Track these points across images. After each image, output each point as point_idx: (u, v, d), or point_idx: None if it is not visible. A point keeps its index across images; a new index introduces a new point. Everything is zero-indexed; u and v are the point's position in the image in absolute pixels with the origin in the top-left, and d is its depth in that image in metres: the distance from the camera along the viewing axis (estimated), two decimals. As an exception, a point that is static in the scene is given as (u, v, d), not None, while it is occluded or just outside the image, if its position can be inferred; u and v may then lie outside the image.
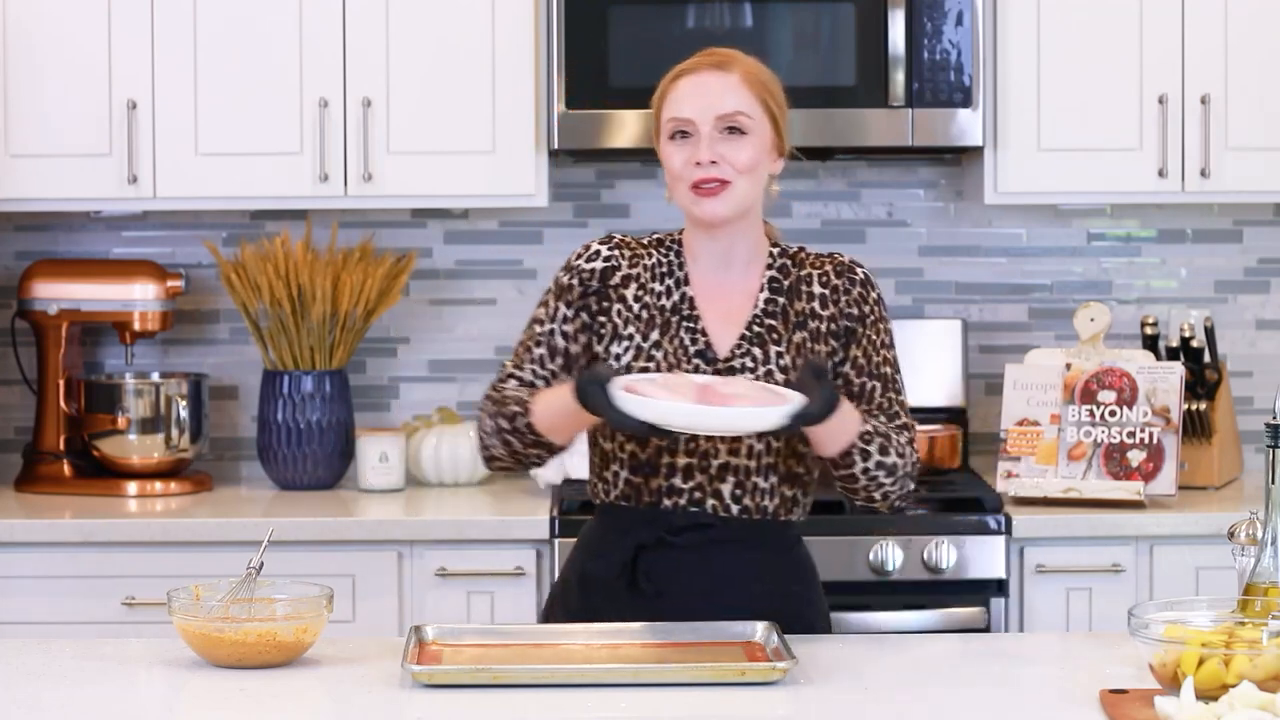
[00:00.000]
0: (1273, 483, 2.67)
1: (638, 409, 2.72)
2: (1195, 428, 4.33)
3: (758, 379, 2.92)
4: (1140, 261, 4.70)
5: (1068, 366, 4.28)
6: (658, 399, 2.72)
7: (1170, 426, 4.18)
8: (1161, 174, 4.30)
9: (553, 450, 2.97)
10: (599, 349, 2.99)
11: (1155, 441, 4.17)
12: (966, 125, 4.26)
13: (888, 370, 3.00)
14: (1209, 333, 4.43)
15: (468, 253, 4.67)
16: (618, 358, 2.96)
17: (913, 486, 3.00)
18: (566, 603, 3.02)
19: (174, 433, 4.39)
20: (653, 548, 2.93)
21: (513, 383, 3.00)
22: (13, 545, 4.03)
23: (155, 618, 3.83)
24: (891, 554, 4.00)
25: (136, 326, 4.45)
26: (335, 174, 4.29)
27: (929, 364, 4.57)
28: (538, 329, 3.02)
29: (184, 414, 4.39)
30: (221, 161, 4.29)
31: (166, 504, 4.29)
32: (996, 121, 4.30)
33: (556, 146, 4.26)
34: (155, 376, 4.51)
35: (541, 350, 3.00)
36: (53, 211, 4.52)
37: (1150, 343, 4.41)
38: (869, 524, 4.03)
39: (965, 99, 4.24)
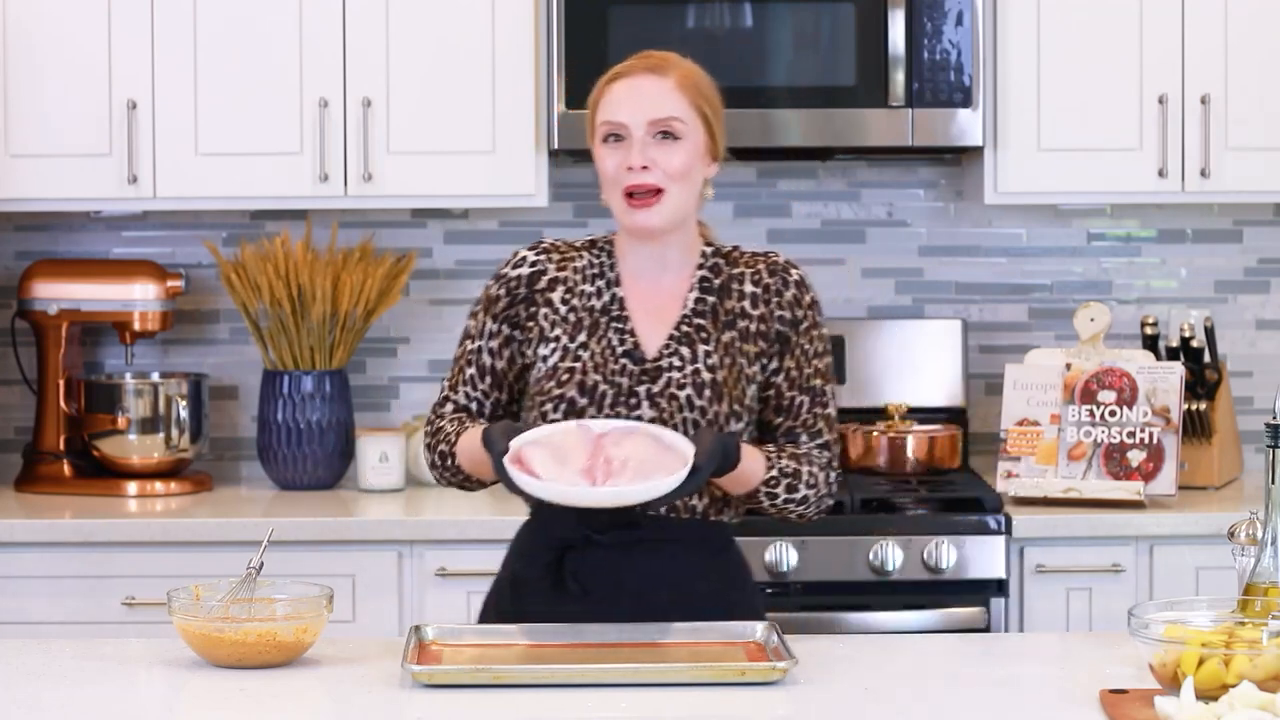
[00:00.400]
0: (1273, 483, 2.67)
1: (527, 487, 2.76)
2: (1195, 428, 4.33)
3: (685, 378, 2.92)
4: (1140, 261, 4.70)
5: (1068, 366, 4.28)
6: (543, 481, 2.74)
7: (1170, 426, 4.18)
8: (1161, 174, 4.30)
9: (485, 484, 3.03)
10: (528, 353, 2.99)
11: (1155, 441, 4.17)
12: (966, 125, 4.26)
13: (818, 383, 3.00)
14: (1209, 333, 4.43)
15: (468, 253, 4.67)
16: (545, 359, 2.96)
17: (831, 503, 3.03)
18: (499, 605, 3.01)
19: (174, 433, 4.39)
20: (580, 548, 2.92)
21: (449, 407, 3.03)
22: (13, 545, 4.03)
23: (155, 618, 3.83)
24: (891, 554, 4.00)
25: (136, 326, 4.45)
26: (335, 174, 4.29)
27: (929, 364, 4.57)
28: (469, 345, 3.04)
29: (184, 414, 4.39)
30: (221, 161, 4.29)
31: (166, 504, 4.29)
32: (996, 121, 4.30)
33: (556, 146, 4.26)
34: (155, 376, 4.51)
35: (472, 370, 3.02)
36: (53, 211, 4.52)
37: (1150, 343, 4.41)
38: (869, 524, 4.04)
39: (965, 99, 4.25)
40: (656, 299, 2.99)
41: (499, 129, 4.29)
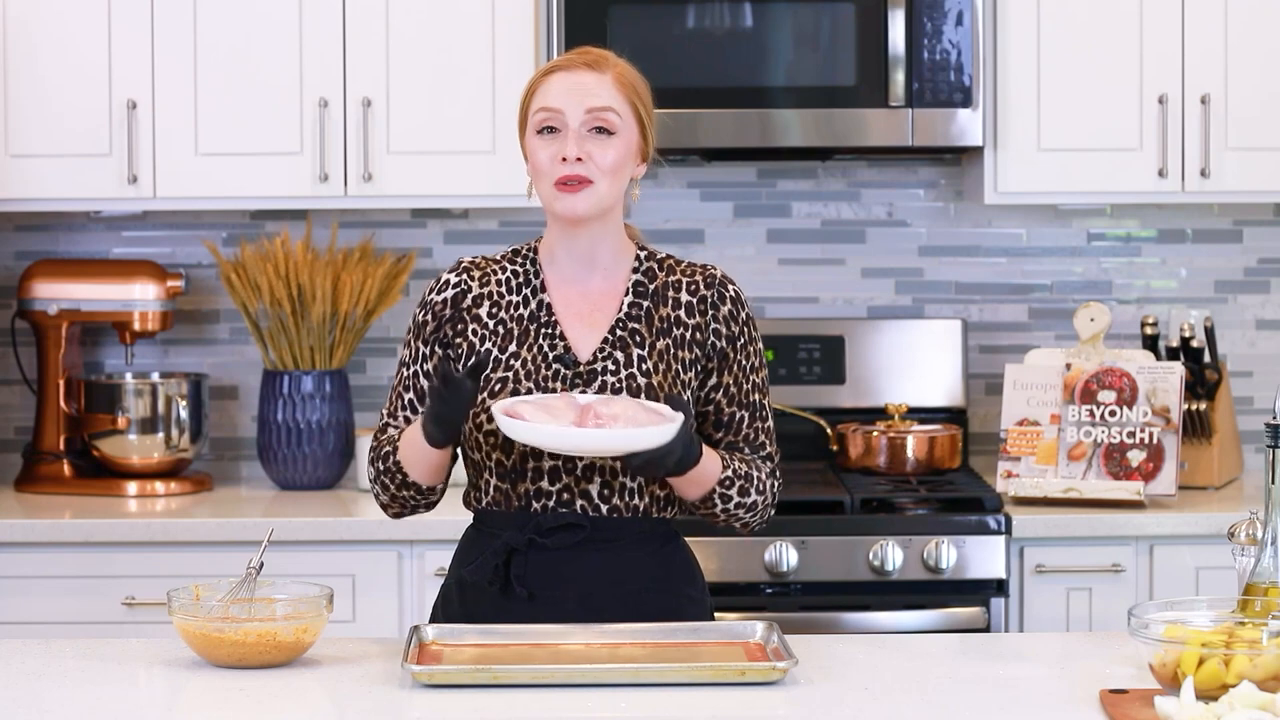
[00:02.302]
0: (1273, 483, 2.67)
1: (516, 433, 2.73)
2: (1195, 428, 4.33)
3: (619, 382, 2.91)
4: (1140, 261, 4.70)
5: (1068, 366, 4.28)
6: (535, 424, 2.73)
7: (1170, 426, 4.18)
8: (1161, 174, 4.30)
9: (421, 493, 2.97)
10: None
11: (1155, 441, 4.17)
12: (966, 125, 4.26)
13: (756, 397, 3.00)
14: (1209, 333, 4.43)
15: (467, 253, 4.66)
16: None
17: (773, 513, 3.03)
18: (448, 610, 3.00)
19: (174, 433, 4.39)
20: (524, 550, 2.91)
21: (391, 433, 3.01)
22: (13, 545, 4.03)
23: (155, 618, 3.84)
24: (891, 554, 4.00)
25: (136, 326, 4.45)
26: (335, 174, 4.29)
27: (929, 364, 4.57)
28: (405, 372, 3.02)
29: (184, 414, 4.39)
30: (221, 161, 4.29)
31: (166, 504, 4.29)
32: (996, 121, 4.30)
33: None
34: (155, 376, 4.51)
35: (410, 395, 3.01)
36: (53, 211, 4.53)
37: (1150, 343, 4.42)
38: (869, 524, 4.04)
39: (965, 99, 4.25)
40: (586, 302, 2.98)
41: (499, 129, 4.29)
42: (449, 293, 3.00)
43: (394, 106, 4.29)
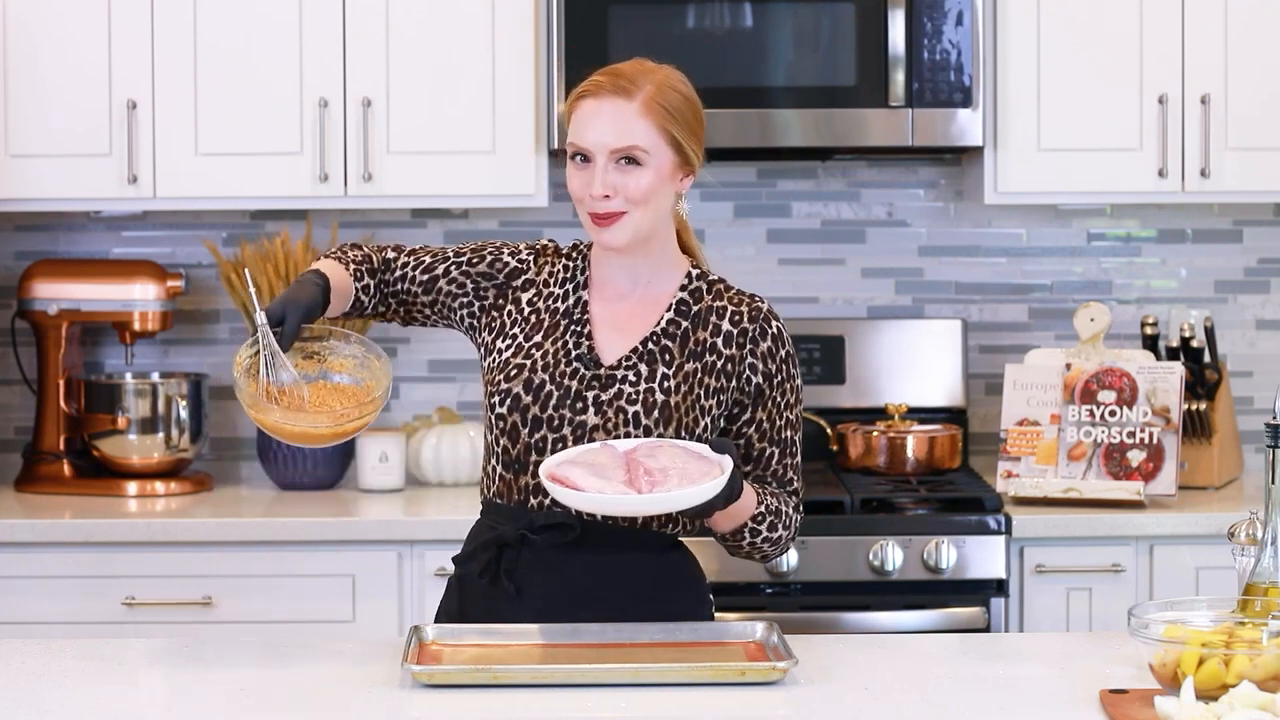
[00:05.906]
0: (1273, 483, 2.67)
1: (570, 501, 2.74)
2: (1195, 428, 4.33)
3: (637, 395, 2.90)
4: (1140, 261, 4.70)
5: (1068, 366, 4.28)
6: (589, 493, 2.72)
7: (1170, 426, 4.18)
8: (1161, 174, 4.30)
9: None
10: (486, 339, 2.99)
11: (1155, 441, 4.17)
12: (966, 125, 4.26)
13: (788, 434, 2.99)
14: (1209, 333, 4.43)
15: (468, 253, 4.66)
16: (500, 352, 2.96)
17: (791, 547, 3.04)
18: (448, 602, 3.01)
19: (174, 433, 4.39)
20: (515, 545, 2.92)
21: (389, 255, 3.04)
22: (13, 545, 4.03)
23: (155, 618, 3.84)
24: (891, 554, 4.00)
25: (136, 326, 4.45)
26: (335, 174, 4.29)
27: (929, 364, 4.57)
28: (445, 249, 3.05)
29: (184, 414, 4.39)
30: (221, 161, 4.29)
31: (166, 504, 4.29)
32: (996, 121, 4.30)
33: (556, 146, 4.26)
34: (155, 376, 4.51)
35: (428, 258, 3.03)
36: (53, 211, 4.53)
37: (1150, 343, 4.42)
38: (869, 524, 4.04)
39: (965, 99, 4.25)
40: (623, 309, 2.97)
41: (499, 129, 4.29)
42: (512, 263, 3.02)
43: (394, 106, 4.29)
